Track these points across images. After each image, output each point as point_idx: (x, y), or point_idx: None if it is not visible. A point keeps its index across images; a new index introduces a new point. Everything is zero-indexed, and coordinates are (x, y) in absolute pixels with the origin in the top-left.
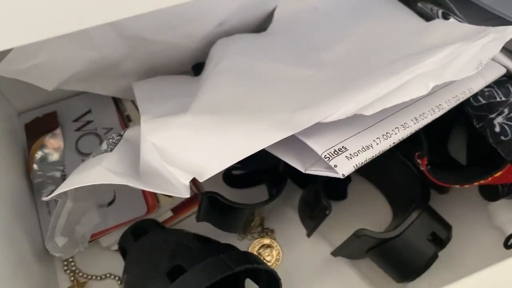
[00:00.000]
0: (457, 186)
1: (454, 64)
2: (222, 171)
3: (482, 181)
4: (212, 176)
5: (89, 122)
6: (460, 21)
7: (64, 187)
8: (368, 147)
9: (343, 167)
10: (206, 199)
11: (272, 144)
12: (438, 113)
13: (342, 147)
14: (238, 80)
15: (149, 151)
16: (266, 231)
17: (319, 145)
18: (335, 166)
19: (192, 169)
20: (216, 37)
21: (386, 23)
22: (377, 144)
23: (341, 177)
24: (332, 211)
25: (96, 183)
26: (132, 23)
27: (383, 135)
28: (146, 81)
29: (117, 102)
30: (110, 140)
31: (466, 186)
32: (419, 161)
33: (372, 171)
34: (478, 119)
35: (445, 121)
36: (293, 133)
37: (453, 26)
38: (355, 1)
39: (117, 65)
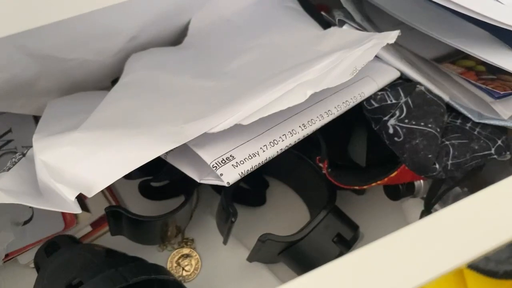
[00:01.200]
0: (357, 187)
1: (333, 71)
2: (138, 183)
3: (379, 182)
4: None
5: (9, 141)
6: (357, 28)
7: None
8: (254, 155)
9: (229, 175)
10: (109, 213)
11: (173, 156)
12: (327, 119)
13: (230, 155)
14: (136, 94)
15: (40, 169)
16: (185, 241)
17: (208, 155)
18: (221, 174)
19: (80, 185)
20: (130, 52)
21: (287, 33)
22: (264, 151)
23: (226, 185)
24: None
25: None
26: (37, 43)
27: (270, 142)
28: (62, 99)
29: (38, 120)
30: (13, 160)
31: (365, 187)
32: (320, 164)
33: (287, 175)
34: (374, 121)
35: (346, 124)
36: (180, 144)
37: (345, 33)
38: (263, 13)
39: (31, 84)
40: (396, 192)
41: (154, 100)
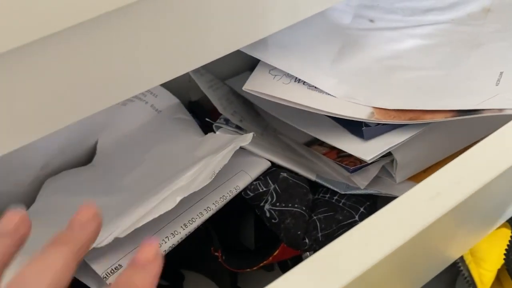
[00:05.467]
0: (248, 270)
1: (200, 177)
2: None
3: (265, 262)
4: None
5: None
6: (233, 130)
7: None
8: None
9: None
10: None
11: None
12: (207, 215)
13: (118, 265)
14: (38, 224)
15: None
16: None
17: (99, 266)
18: (110, 284)
19: None
20: (45, 178)
21: (174, 143)
22: None
23: None
24: None
25: None
26: None
27: None
28: None
29: None
30: None
31: (254, 268)
32: (216, 254)
33: (198, 265)
34: (255, 207)
35: (236, 211)
36: None
37: (217, 138)
38: (157, 126)
39: None
40: (285, 267)
41: (53, 229)
